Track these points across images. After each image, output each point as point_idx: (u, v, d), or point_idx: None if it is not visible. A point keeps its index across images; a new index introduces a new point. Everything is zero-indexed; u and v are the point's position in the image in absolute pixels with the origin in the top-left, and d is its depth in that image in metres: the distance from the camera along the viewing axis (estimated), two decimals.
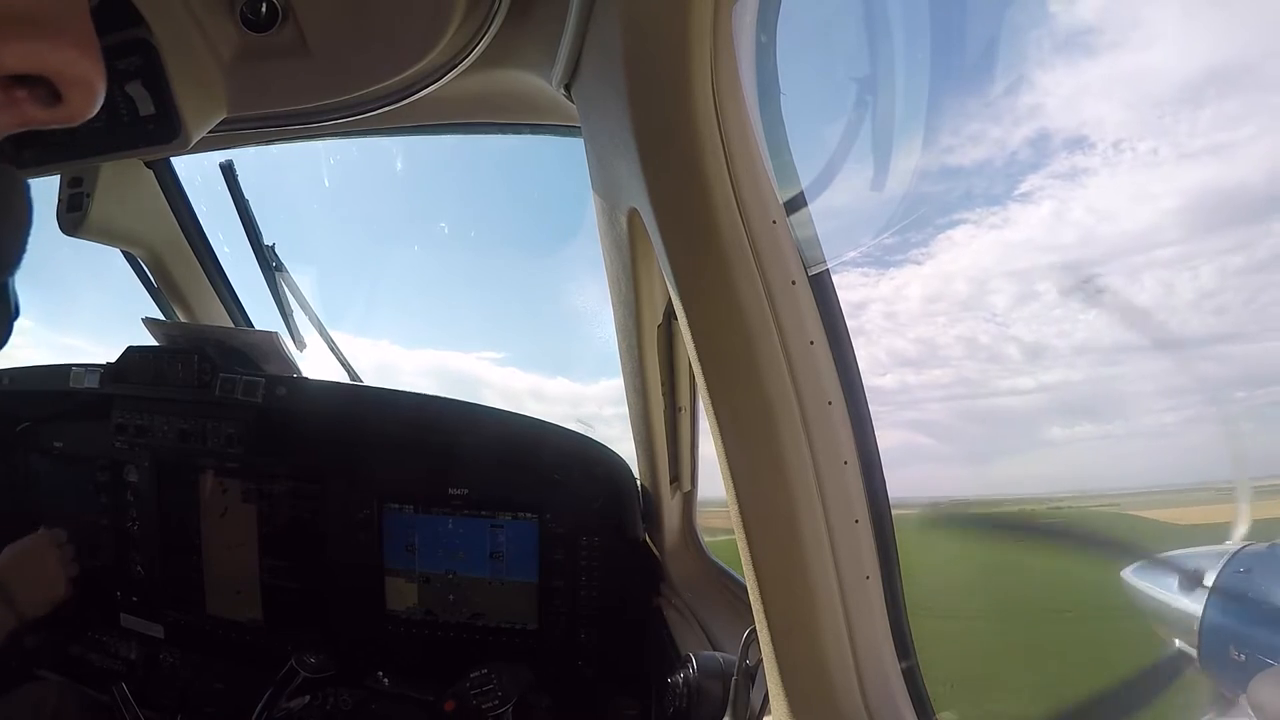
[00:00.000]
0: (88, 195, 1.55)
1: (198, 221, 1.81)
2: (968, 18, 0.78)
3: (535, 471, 1.41)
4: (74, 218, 1.56)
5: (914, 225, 0.75)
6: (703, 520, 1.45)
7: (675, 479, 1.34)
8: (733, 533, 0.71)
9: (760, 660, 0.75)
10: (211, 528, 1.54)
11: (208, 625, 1.55)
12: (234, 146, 1.46)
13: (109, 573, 1.58)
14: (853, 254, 0.76)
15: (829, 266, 0.70)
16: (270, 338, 1.57)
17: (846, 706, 0.68)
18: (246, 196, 1.64)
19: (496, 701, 1.22)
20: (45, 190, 1.57)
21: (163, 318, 1.86)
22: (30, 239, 0.39)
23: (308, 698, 1.36)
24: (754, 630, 0.75)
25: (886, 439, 0.72)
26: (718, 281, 0.65)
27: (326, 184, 1.90)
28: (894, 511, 0.72)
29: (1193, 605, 0.87)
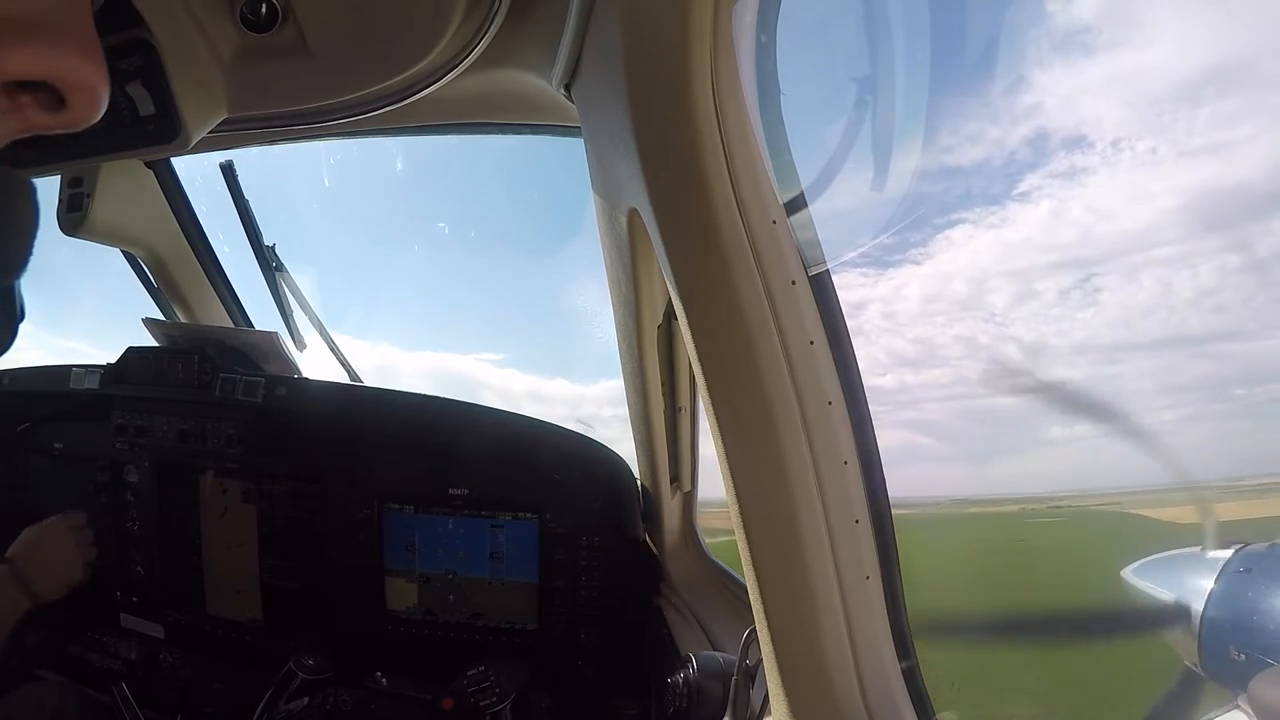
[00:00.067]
0: (88, 195, 1.55)
1: (198, 221, 1.81)
2: (967, 18, 0.78)
3: (535, 471, 1.41)
4: (74, 218, 1.56)
5: (913, 225, 0.75)
6: (702, 521, 1.45)
7: (675, 479, 1.34)
8: (733, 534, 0.71)
9: (760, 660, 0.75)
10: (211, 528, 1.54)
11: (208, 625, 1.55)
12: (234, 146, 1.46)
13: (109, 573, 1.58)
14: (853, 254, 0.77)
15: (829, 266, 0.70)
16: (270, 338, 1.57)
17: (846, 706, 0.68)
18: (246, 196, 1.64)
19: (494, 699, 1.22)
20: (45, 190, 1.56)
21: (163, 318, 1.86)
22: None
23: (307, 699, 1.36)
24: (754, 630, 0.75)
25: (886, 439, 0.72)
26: (718, 281, 0.65)
27: (327, 184, 1.90)
28: (894, 511, 0.72)
29: (1193, 605, 0.87)
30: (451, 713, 1.25)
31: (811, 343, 0.67)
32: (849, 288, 0.74)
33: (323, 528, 1.48)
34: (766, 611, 0.69)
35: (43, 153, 0.93)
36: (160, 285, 1.84)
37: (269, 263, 1.69)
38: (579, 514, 1.40)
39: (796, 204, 0.71)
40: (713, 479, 1.23)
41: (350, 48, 0.90)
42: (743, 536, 0.69)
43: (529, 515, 1.41)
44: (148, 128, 0.88)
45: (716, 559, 1.41)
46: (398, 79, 0.95)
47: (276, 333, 1.58)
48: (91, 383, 1.56)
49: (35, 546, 1.44)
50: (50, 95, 0.36)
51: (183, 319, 1.88)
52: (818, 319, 0.69)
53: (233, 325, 1.95)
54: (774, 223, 0.66)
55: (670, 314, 1.10)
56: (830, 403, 0.68)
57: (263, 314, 1.94)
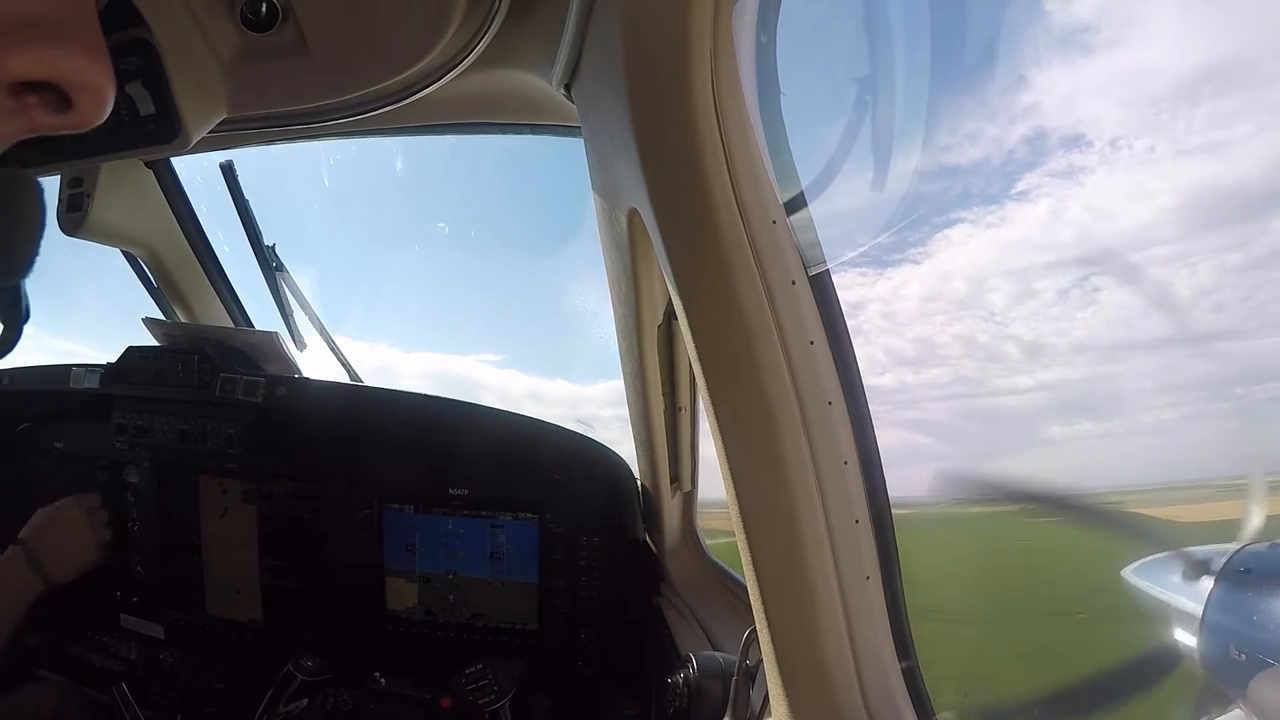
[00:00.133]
0: (88, 195, 1.55)
1: (198, 221, 1.81)
2: (967, 17, 0.78)
3: (535, 471, 1.41)
4: (74, 218, 1.56)
5: (912, 225, 0.75)
6: (702, 522, 1.45)
7: (675, 479, 1.34)
8: (733, 535, 0.71)
9: (760, 660, 0.75)
10: (211, 528, 1.54)
11: (208, 625, 1.55)
12: (234, 146, 1.46)
13: (109, 573, 1.58)
14: (853, 254, 0.77)
15: (829, 266, 0.70)
16: (270, 338, 1.57)
17: (846, 706, 0.68)
18: (246, 196, 1.64)
19: (493, 696, 1.22)
20: (45, 191, 1.57)
21: (163, 318, 1.86)
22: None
23: (306, 700, 1.36)
24: (754, 630, 0.75)
25: (885, 439, 0.72)
26: (718, 281, 0.65)
27: (326, 184, 1.90)
28: (894, 511, 0.72)
29: (1193, 605, 0.88)
30: (450, 711, 1.25)
31: (811, 343, 0.67)
32: (848, 287, 0.74)
33: (323, 528, 1.48)
34: (766, 611, 0.69)
35: (44, 153, 0.93)
36: (160, 285, 1.84)
37: (269, 263, 1.69)
38: (579, 514, 1.40)
39: (796, 204, 0.71)
40: (713, 479, 1.24)
41: (350, 48, 0.90)
42: (743, 536, 0.69)
43: (529, 515, 1.41)
44: (148, 128, 0.88)
45: (716, 559, 1.41)
46: (397, 79, 0.95)
47: (276, 333, 1.58)
48: (91, 382, 1.56)
49: (48, 528, 1.44)
50: (56, 96, 0.36)
51: (183, 319, 1.88)
52: (818, 319, 0.69)
53: (233, 325, 1.95)
54: (774, 223, 0.66)
55: (670, 314, 1.10)
56: (830, 403, 0.68)
57: (263, 314, 1.95)
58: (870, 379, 0.71)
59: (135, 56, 0.82)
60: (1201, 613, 0.85)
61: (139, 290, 1.86)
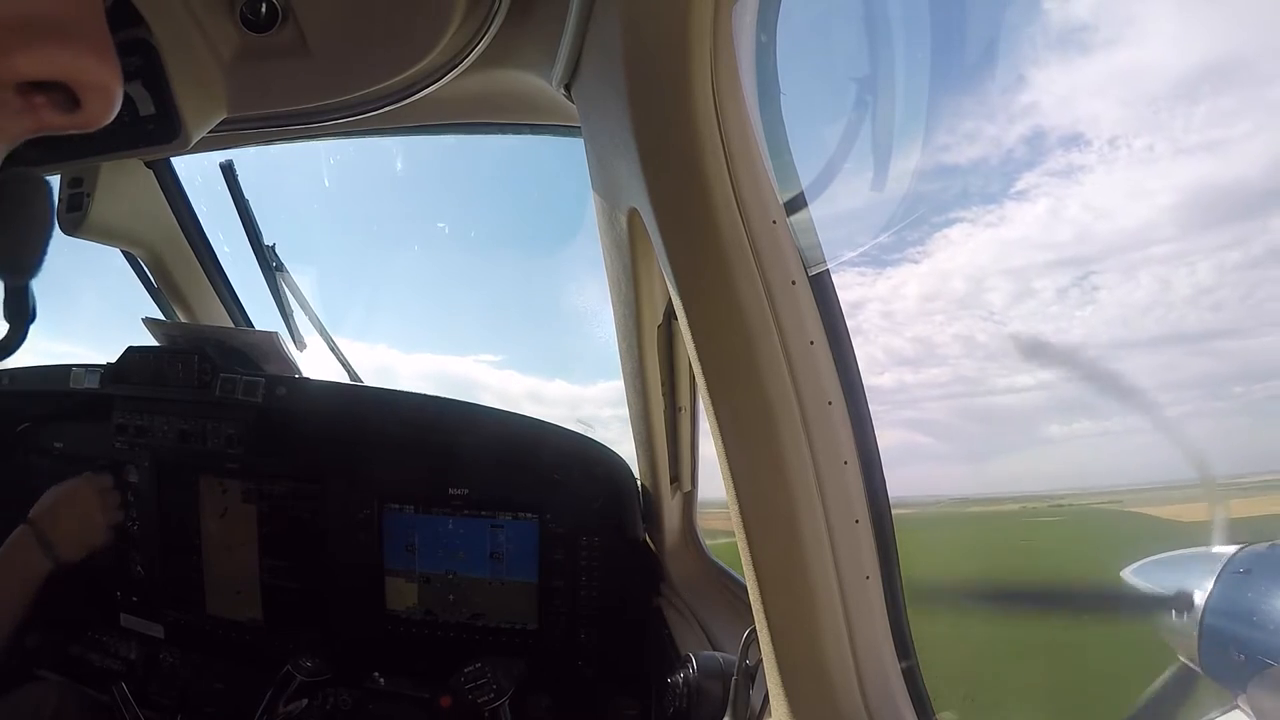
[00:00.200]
0: (88, 195, 1.55)
1: (198, 221, 1.81)
2: (967, 17, 0.78)
3: (535, 471, 1.41)
4: (74, 218, 1.56)
5: (911, 224, 0.75)
6: (703, 522, 1.45)
7: (675, 479, 1.34)
8: (733, 535, 0.71)
9: (760, 660, 0.75)
10: (211, 528, 1.54)
11: (208, 625, 1.55)
12: (234, 146, 1.46)
13: (109, 573, 1.58)
14: (853, 254, 0.77)
15: (829, 266, 0.70)
16: (270, 338, 1.57)
17: (846, 706, 0.68)
18: (246, 196, 1.64)
19: (492, 695, 1.22)
20: None
21: (163, 318, 1.86)
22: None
23: (306, 700, 1.36)
24: (754, 630, 0.75)
25: (885, 438, 0.72)
26: (718, 281, 0.65)
27: (326, 184, 1.90)
28: (894, 511, 0.72)
29: (1193, 606, 0.87)
30: (450, 711, 1.25)
31: (811, 343, 0.67)
32: (848, 287, 0.74)
33: (323, 528, 1.48)
34: (766, 611, 0.69)
35: (44, 152, 0.93)
36: (160, 285, 1.84)
37: (269, 263, 1.69)
38: (579, 514, 1.40)
39: (796, 204, 0.71)
40: (713, 479, 1.24)
41: (350, 48, 0.90)
42: (743, 536, 0.69)
43: (529, 515, 1.41)
44: (148, 128, 0.88)
45: (716, 559, 1.41)
46: (397, 79, 0.95)
47: (276, 333, 1.58)
48: (91, 382, 1.56)
49: (58, 508, 1.44)
50: (64, 96, 0.36)
51: (183, 319, 1.88)
52: (818, 319, 0.69)
53: (233, 325, 1.95)
54: (774, 223, 0.66)
55: (670, 314, 1.10)
56: (830, 403, 0.68)
57: (263, 314, 1.94)
58: (870, 379, 0.71)
59: (135, 56, 0.81)
60: (1201, 613, 0.85)
61: (139, 290, 1.86)
